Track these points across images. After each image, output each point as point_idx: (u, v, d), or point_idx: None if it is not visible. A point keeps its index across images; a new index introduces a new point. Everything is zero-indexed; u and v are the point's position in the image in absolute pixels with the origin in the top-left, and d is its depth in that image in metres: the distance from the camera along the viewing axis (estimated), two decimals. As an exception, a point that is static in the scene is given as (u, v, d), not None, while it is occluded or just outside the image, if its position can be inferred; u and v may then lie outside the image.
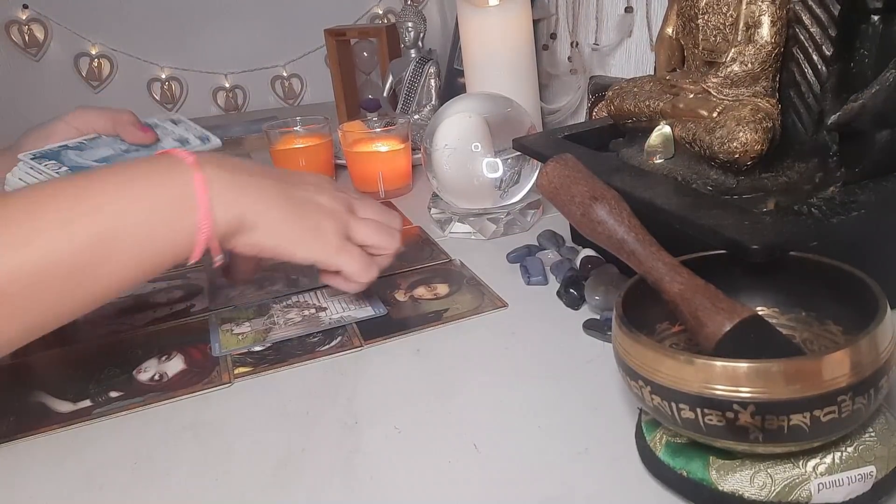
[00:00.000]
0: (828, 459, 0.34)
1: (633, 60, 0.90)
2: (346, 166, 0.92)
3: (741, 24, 0.50)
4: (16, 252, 0.41)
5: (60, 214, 0.43)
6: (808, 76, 0.48)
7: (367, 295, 0.61)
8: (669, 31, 0.58)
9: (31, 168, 0.61)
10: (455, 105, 0.75)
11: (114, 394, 0.50)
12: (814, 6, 0.47)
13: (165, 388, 0.50)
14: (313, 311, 0.60)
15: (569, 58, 0.99)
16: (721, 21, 0.51)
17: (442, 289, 0.62)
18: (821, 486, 0.33)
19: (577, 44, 0.97)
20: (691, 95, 0.52)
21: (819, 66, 0.48)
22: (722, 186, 0.49)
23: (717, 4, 0.51)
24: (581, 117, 0.98)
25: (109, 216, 0.44)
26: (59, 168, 0.61)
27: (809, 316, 0.41)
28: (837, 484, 0.33)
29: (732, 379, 0.31)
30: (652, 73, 0.62)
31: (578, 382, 0.47)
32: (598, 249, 0.60)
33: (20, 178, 0.60)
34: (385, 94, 1.17)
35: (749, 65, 0.49)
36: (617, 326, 0.37)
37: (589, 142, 0.64)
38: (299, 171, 0.58)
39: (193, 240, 0.46)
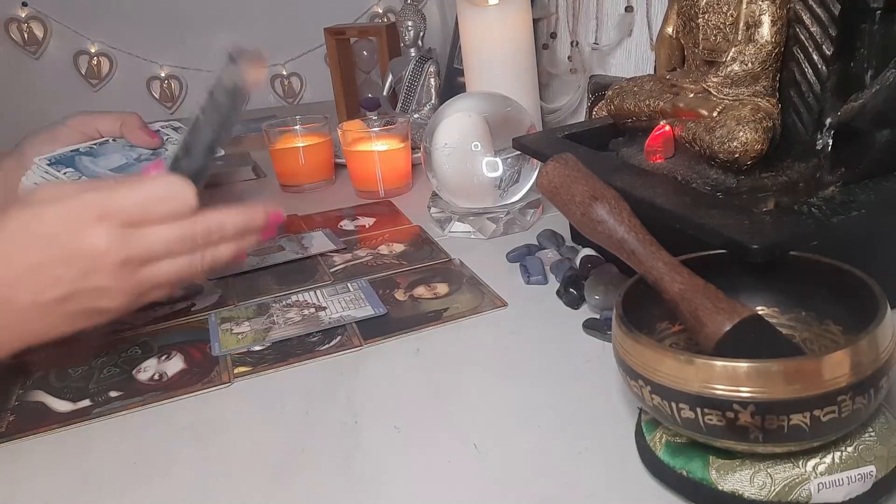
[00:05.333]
0: (828, 459, 0.34)
1: (633, 60, 0.90)
2: (346, 165, 0.92)
3: (741, 24, 0.50)
4: None
5: None
6: (809, 76, 0.48)
7: (366, 294, 0.61)
8: (670, 30, 0.58)
9: (47, 173, 0.61)
10: (455, 104, 0.75)
11: (113, 393, 0.50)
12: (814, 6, 0.47)
13: (165, 388, 0.50)
14: (313, 310, 0.60)
15: (569, 57, 0.99)
16: (721, 20, 0.51)
17: (442, 288, 0.62)
18: (821, 485, 0.33)
19: (577, 43, 0.97)
20: (691, 95, 0.52)
21: (819, 66, 0.48)
22: (722, 186, 0.49)
23: (718, 4, 0.51)
24: (581, 117, 0.98)
25: None
26: (77, 176, 0.62)
27: (809, 316, 0.41)
28: (837, 484, 0.33)
29: (732, 379, 0.31)
30: (652, 72, 0.62)
31: (578, 382, 0.47)
32: (598, 249, 0.60)
33: (35, 183, 0.61)
34: (385, 93, 1.17)
35: (749, 64, 0.49)
36: (617, 326, 0.37)
37: (589, 141, 0.64)
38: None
39: None
